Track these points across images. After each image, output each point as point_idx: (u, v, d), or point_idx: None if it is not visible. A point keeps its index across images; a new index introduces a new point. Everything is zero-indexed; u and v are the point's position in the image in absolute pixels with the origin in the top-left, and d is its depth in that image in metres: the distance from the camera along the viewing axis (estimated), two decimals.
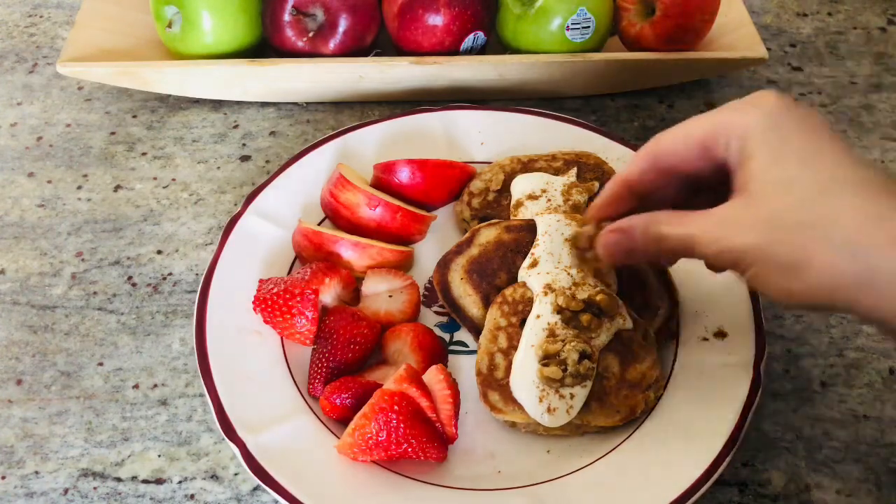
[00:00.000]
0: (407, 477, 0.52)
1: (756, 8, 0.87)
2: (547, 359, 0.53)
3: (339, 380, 0.54)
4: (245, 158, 0.73)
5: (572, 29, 0.71)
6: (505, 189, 0.65)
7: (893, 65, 0.82)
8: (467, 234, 0.62)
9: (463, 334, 0.60)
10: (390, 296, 0.59)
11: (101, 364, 0.59)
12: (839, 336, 0.61)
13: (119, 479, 0.54)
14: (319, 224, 0.64)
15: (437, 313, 0.61)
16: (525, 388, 0.53)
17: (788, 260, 0.40)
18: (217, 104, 0.77)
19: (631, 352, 0.55)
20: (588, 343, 0.54)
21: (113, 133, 0.75)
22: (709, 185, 0.47)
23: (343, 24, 0.71)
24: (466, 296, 0.59)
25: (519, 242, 0.60)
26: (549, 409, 0.52)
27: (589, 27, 0.71)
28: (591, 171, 0.65)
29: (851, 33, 0.85)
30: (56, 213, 0.69)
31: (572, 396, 0.52)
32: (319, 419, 0.54)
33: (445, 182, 0.65)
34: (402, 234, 0.63)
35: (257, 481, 0.50)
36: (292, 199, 0.65)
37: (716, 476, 0.50)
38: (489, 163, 0.68)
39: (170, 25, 0.71)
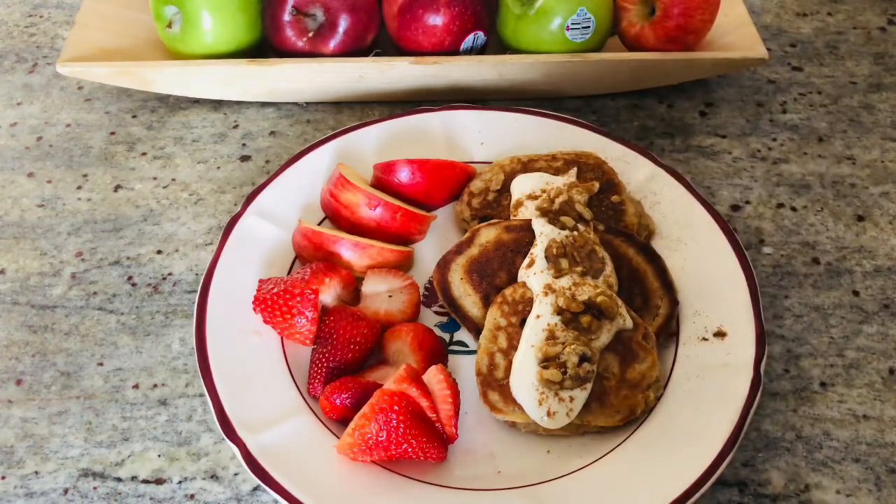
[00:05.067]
0: (407, 477, 0.52)
1: (756, 8, 0.87)
2: (547, 361, 0.53)
3: (339, 380, 0.54)
4: (245, 158, 0.73)
5: (572, 29, 0.71)
6: (505, 189, 0.65)
7: (893, 65, 0.82)
8: (467, 234, 0.62)
9: (463, 334, 0.60)
10: (390, 296, 0.59)
11: (101, 364, 0.59)
12: (839, 336, 0.61)
13: (119, 479, 0.54)
14: (319, 224, 0.64)
15: (437, 313, 0.61)
16: (525, 390, 0.53)
17: None
18: (217, 104, 0.77)
19: (631, 352, 0.55)
20: (588, 345, 0.54)
21: (113, 133, 0.75)
22: None
23: (343, 24, 0.71)
24: (466, 296, 0.59)
25: (519, 242, 0.60)
26: (549, 412, 0.52)
27: (589, 27, 0.71)
28: (591, 171, 0.65)
29: (851, 33, 0.85)
30: (56, 213, 0.69)
31: (572, 399, 0.52)
32: (319, 419, 0.54)
33: (445, 182, 0.65)
34: (402, 234, 0.63)
35: (257, 481, 0.50)
36: (292, 199, 0.65)
37: (716, 476, 0.50)
38: (489, 163, 0.68)
39: (170, 25, 0.71)
